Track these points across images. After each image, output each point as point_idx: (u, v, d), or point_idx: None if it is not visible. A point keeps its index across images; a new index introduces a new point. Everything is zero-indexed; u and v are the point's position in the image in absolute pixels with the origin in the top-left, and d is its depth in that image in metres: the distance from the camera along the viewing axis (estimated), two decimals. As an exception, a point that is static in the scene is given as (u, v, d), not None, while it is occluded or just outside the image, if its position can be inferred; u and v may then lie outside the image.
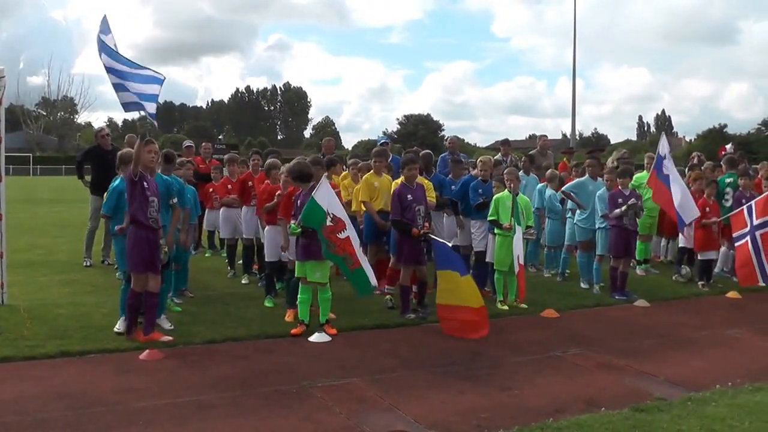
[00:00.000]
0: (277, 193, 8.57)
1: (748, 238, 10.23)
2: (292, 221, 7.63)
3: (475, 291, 7.84)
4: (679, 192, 10.03)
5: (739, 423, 5.10)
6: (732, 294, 10.28)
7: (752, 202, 10.39)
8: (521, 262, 8.95)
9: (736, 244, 10.46)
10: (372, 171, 9.80)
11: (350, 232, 7.49)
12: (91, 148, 12.33)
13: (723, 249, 11.58)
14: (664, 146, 10.31)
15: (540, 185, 11.50)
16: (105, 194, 8.28)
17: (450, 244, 8.37)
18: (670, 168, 10.12)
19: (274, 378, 6.12)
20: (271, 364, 6.59)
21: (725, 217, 10.83)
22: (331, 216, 7.35)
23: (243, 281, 10.45)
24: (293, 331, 7.59)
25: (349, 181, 10.30)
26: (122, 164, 7.89)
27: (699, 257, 10.91)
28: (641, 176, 11.76)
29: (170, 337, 7.14)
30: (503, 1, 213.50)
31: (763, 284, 10.17)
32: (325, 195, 7.43)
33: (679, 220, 10.17)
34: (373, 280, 7.68)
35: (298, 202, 7.69)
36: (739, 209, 10.55)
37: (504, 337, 7.76)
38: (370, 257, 9.87)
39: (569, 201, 10.87)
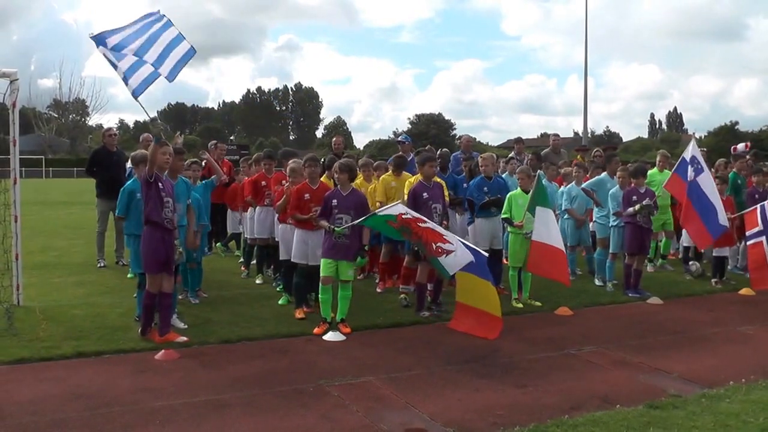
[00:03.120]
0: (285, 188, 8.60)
1: (763, 238, 10.12)
2: (324, 221, 7.68)
3: (497, 300, 7.73)
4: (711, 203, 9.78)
5: (754, 419, 5.11)
6: (745, 291, 10.26)
7: (765, 203, 10.32)
8: (559, 245, 8.85)
9: (749, 243, 10.38)
10: (390, 171, 9.87)
11: (429, 224, 7.59)
12: (97, 151, 12.37)
13: (735, 245, 11.56)
14: (689, 150, 9.99)
15: (563, 189, 11.42)
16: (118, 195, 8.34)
17: (485, 254, 8.00)
18: (700, 176, 9.79)
19: (291, 377, 6.15)
20: (287, 363, 6.62)
21: (739, 214, 10.77)
22: (410, 216, 7.50)
23: (257, 281, 10.49)
24: (316, 330, 7.63)
25: (362, 181, 10.30)
26: (135, 165, 8.02)
27: (713, 253, 10.91)
28: (653, 173, 11.75)
29: (186, 338, 7.19)
30: (513, 0, 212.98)
31: None
32: (395, 210, 7.55)
33: (711, 229, 9.88)
34: (451, 270, 7.67)
35: (333, 201, 7.71)
36: (752, 208, 10.48)
37: (519, 334, 7.76)
38: (383, 256, 9.92)
39: (563, 201, 10.89)
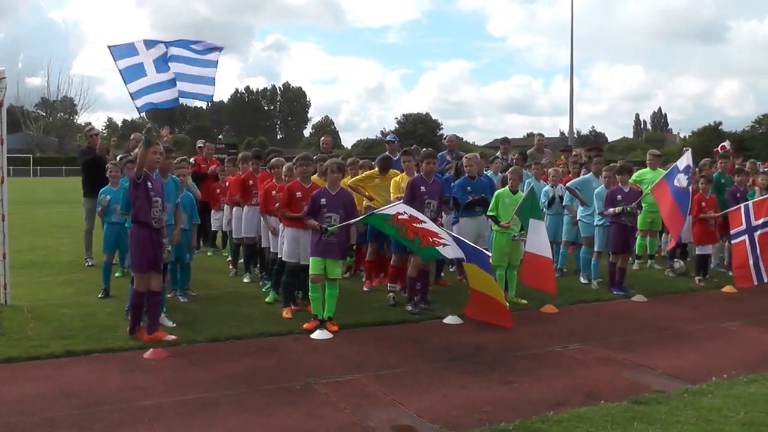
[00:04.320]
0: (273, 193, 8.64)
1: (745, 237, 10.24)
2: (312, 220, 7.70)
3: (499, 291, 8.17)
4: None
5: (735, 413, 5.19)
6: (728, 288, 10.40)
7: (750, 203, 10.45)
8: (547, 254, 8.99)
9: (734, 242, 10.51)
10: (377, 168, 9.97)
11: (428, 225, 7.76)
12: (85, 149, 12.32)
13: (717, 243, 11.71)
14: (684, 161, 10.12)
15: (547, 188, 11.52)
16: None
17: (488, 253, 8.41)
18: (683, 183, 9.96)
19: (279, 375, 6.19)
20: (275, 361, 6.65)
21: (723, 213, 10.90)
22: (408, 215, 7.62)
23: (245, 280, 10.51)
24: (305, 324, 7.70)
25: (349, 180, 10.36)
26: (125, 165, 8.09)
27: (696, 251, 11.03)
28: (643, 172, 11.86)
29: (174, 336, 7.21)
30: (499, 1, 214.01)
31: (757, 284, 10.08)
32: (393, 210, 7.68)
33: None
34: (449, 255, 8.04)
35: (322, 200, 7.75)
36: (736, 207, 10.61)
37: (505, 332, 7.82)
38: (369, 255, 9.97)
39: (564, 198, 10.99)
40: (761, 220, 10.19)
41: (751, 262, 10.05)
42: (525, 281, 9.07)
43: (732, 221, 10.54)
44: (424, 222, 7.68)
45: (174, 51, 7.90)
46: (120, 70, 7.52)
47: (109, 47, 7.62)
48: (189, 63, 7.98)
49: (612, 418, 5.11)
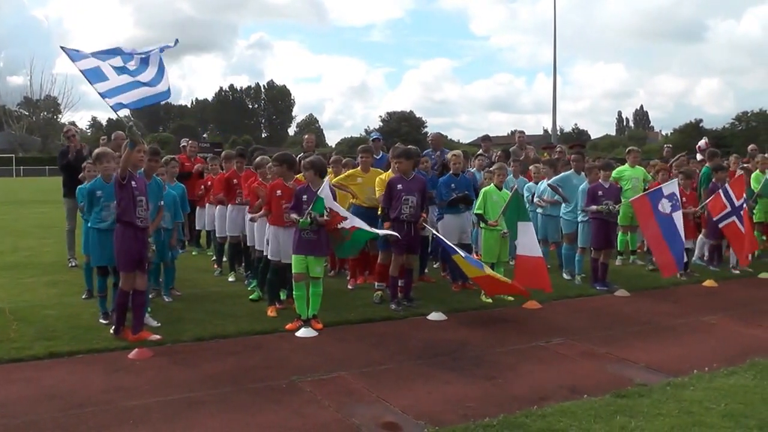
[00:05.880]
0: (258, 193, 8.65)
1: (734, 217, 10.48)
2: (294, 215, 7.69)
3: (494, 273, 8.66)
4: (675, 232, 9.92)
5: (716, 405, 5.27)
6: (708, 282, 10.53)
7: (726, 185, 10.79)
8: (538, 254, 9.02)
9: (722, 224, 10.72)
10: (359, 167, 9.97)
11: (350, 221, 7.87)
12: (65, 150, 12.19)
13: (699, 238, 11.83)
14: (669, 188, 10.06)
15: (530, 184, 11.58)
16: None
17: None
18: (675, 213, 9.89)
19: (263, 373, 6.19)
20: (260, 359, 6.65)
21: (702, 206, 11.03)
22: (328, 210, 7.61)
23: (229, 279, 10.50)
24: (288, 325, 7.69)
25: (332, 178, 10.37)
26: (93, 162, 8.09)
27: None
28: (622, 169, 11.96)
29: (159, 336, 7.18)
30: (482, 0, 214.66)
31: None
32: (327, 194, 7.67)
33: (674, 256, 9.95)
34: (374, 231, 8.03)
35: (304, 197, 7.78)
36: (714, 195, 10.79)
37: (488, 328, 7.88)
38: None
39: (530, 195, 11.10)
40: (741, 200, 10.62)
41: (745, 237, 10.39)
42: (520, 284, 9.09)
43: (713, 210, 10.74)
44: (343, 222, 7.81)
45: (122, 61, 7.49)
46: (82, 71, 7.19)
47: (62, 48, 7.26)
48: (140, 71, 7.55)
49: (595, 411, 5.16)
